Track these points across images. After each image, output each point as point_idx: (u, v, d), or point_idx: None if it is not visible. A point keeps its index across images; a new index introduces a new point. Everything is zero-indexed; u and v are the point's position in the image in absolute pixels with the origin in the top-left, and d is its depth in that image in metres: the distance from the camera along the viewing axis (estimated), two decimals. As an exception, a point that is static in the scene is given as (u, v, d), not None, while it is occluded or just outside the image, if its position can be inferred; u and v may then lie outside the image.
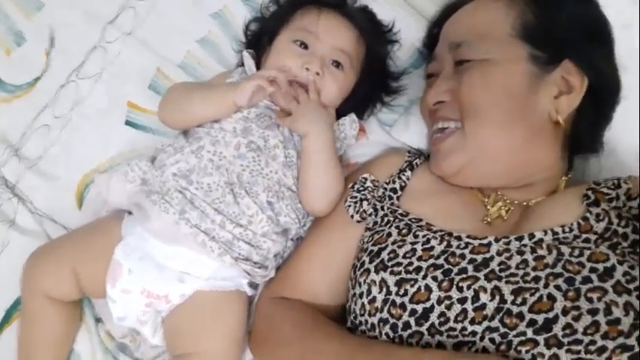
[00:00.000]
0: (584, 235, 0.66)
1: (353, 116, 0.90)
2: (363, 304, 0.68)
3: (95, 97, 0.97)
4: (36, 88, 0.98)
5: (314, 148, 0.80)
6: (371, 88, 0.92)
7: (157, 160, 0.84)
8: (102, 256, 0.78)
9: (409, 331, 0.64)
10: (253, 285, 0.83)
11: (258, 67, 0.89)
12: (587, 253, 0.63)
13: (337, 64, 0.85)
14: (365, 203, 0.79)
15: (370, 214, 0.79)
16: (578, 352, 0.57)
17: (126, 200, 0.83)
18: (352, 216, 0.79)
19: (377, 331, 0.67)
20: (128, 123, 0.96)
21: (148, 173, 0.83)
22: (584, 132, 0.79)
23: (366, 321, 0.68)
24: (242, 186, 0.79)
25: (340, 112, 0.90)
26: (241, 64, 0.92)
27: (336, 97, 0.87)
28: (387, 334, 0.66)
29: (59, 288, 0.80)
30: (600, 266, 0.61)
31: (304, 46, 0.85)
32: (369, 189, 0.81)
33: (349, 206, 0.80)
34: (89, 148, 0.95)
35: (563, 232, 0.67)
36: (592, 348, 0.57)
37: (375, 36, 0.91)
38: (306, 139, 0.81)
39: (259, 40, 0.92)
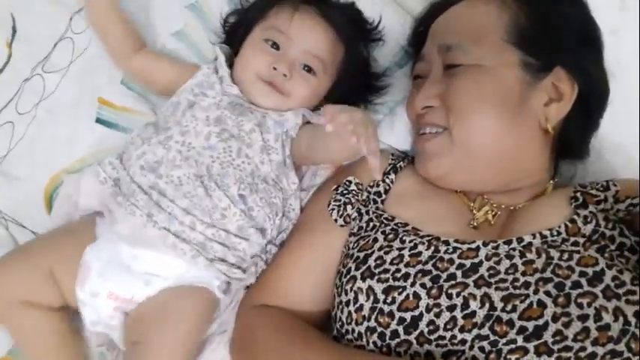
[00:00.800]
0: (572, 238, 0.66)
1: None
2: (349, 313, 0.67)
3: (62, 93, 0.91)
4: (-3, 81, 0.92)
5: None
6: (352, 88, 0.89)
7: (125, 156, 0.81)
8: (75, 258, 0.75)
9: (397, 340, 0.63)
10: (226, 291, 0.79)
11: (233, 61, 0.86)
12: (576, 257, 0.63)
13: (309, 69, 0.83)
14: (349, 207, 0.77)
15: (354, 219, 0.77)
16: (568, 358, 0.57)
17: (97, 202, 0.80)
18: (336, 220, 0.77)
19: (364, 340, 0.65)
20: (99, 120, 0.91)
21: (120, 171, 0.79)
22: (573, 138, 0.79)
23: (353, 330, 0.67)
24: (212, 178, 0.76)
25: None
26: (216, 58, 0.89)
27: (306, 101, 0.84)
28: (374, 343, 0.64)
29: (38, 291, 0.75)
30: (590, 270, 0.61)
31: (276, 46, 0.82)
32: (353, 192, 0.79)
33: (333, 210, 0.78)
34: (57, 147, 0.90)
35: (552, 235, 0.67)
36: (582, 355, 0.57)
37: (354, 37, 0.87)
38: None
39: (235, 34, 0.89)
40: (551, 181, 0.78)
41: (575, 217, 0.68)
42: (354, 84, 0.89)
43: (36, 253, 0.77)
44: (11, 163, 0.89)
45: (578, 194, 0.71)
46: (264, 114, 0.82)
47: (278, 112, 0.82)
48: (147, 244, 0.74)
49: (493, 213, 0.75)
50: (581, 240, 0.65)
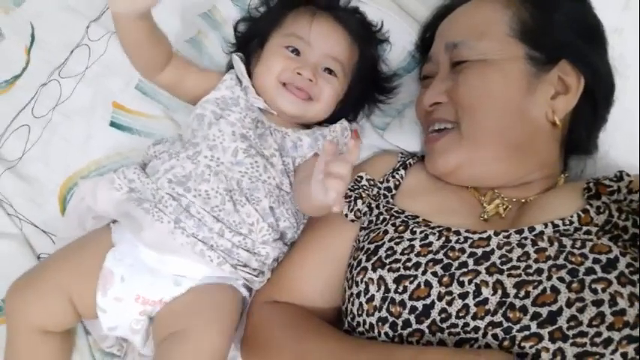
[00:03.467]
0: (585, 227, 0.66)
1: (344, 123, 0.88)
2: (360, 304, 0.67)
3: (78, 97, 0.94)
4: (15, 86, 0.95)
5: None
6: (364, 90, 0.91)
7: (150, 167, 0.81)
8: (95, 269, 0.74)
9: (409, 330, 0.62)
10: (248, 288, 0.80)
11: (249, 70, 0.87)
12: (589, 244, 0.62)
13: (330, 72, 0.84)
14: (359, 202, 0.78)
15: (365, 213, 0.77)
16: (584, 344, 0.56)
17: (113, 209, 0.79)
18: (346, 215, 0.77)
19: (376, 331, 0.65)
20: (113, 124, 0.93)
21: (137, 181, 0.79)
22: (581, 132, 0.79)
23: (364, 321, 0.66)
24: (242, 193, 0.77)
25: (332, 117, 0.88)
26: (232, 67, 0.90)
27: (330, 104, 0.85)
28: (386, 334, 0.64)
29: (54, 318, 0.74)
30: (603, 257, 0.61)
31: (296, 52, 0.84)
32: (364, 187, 0.80)
33: (343, 205, 0.78)
34: (71, 150, 0.92)
35: (564, 224, 0.66)
36: (597, 340, 0.56)
37: (367, 40, 0.90)
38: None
39: (249, 42, 0.90)
40: (563, 175, 0.78)
41: (588, 207, 0.68)
42: (367, 86, 0.91)
43: (54, 277, 0.75)
44: (26, 164, 0.91)
45: (591, 185, 0.71)
46: (284, 135, 0.83)
47: (296, 132, 0.83)
48: (174, 251, 0.74)
49: (504, 206, 0.75)
50: (594, 229, 0.65)
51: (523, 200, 0.75)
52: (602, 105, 0.80)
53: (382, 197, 0.78)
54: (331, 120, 0.88)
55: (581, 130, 0.79)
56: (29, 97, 0.94)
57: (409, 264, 0.65)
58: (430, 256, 0.65)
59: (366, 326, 0.66)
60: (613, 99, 0.81)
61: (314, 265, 0.79)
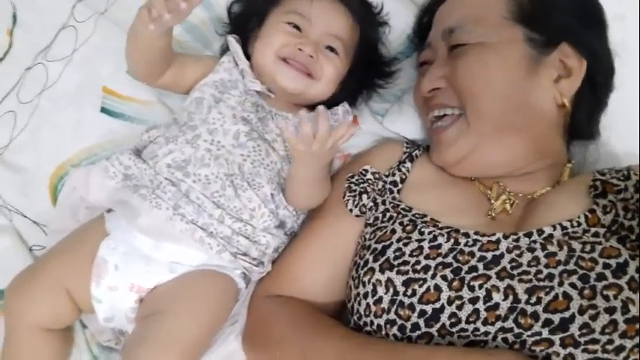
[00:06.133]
0: (593, 229, 0.65)
1: (346, 106, 0.86)
2: (368, 305, 0.66)
3: (66, 82, 0.90)
4: (-2, 70, 0.90)
5: (304, 176, 0.76)
6: (364, 73, 0.88)
7: (147, 152, 0.79)
8: (90, 260, 0.72)
9: (418, 333, 0.62)
10: (246, 279, 0.79)
11: (245, 51, 0.84)
12: (598, 248, 0.62)
13: (331, 50, 0.82)
14: (365, 197, 0.76)
15: (370, 209, 0.76)
16: (595, 351, 0.57)
17: (106, 197, 0.77)
18: (351, 210, 0.76)
19: (383, 332, 0.65)
20: (104, 110, 0.89)
21: (133, 167, 0.77)
22: (583, 116, 0.79)
23: (372, 322, 0.66)
24: (244, 177, 0.75)
25: (333, 100, 0.86)
26: (227, 49, 0.87)
27: (332, 83, 0.83)
28: (394, 336, 0.64)
29: (54, 315, 0.73)
30: (613, 262, 0.61)
31: (297, 29, 0.81)
32: (370, 181, 0.78)
33: (348, 200, 0.77)
34: (61, 137, 0.88)
35: (572, 226, 0.66)
36: (609, 347, 0.57)
37: (368, 20, 0.88)
38: (295, 168, 0.75)
39: (246, 22, 0.87)
40: (569, 165, 0.78)
41: (595, 206, 0.67)
42: (367, 68, 0.88)
43: (51, 273, 0.73)
44: (14, 153, 0.88)
45: (598, 183, 0.70)
46: (285, 119, 0.80)
47: (298, 116, 0.79)
48: (172, 238, 0.72)
49: (511, 202, 0.74)
50: (602, 231, 0.65)
51: (529, 196, 0.75)
52: (602, 89, 0.80)
53: (388, 192, 0.77)
54: (330, 104, 0.85)
55: (583, 114, 0.79)
56: (14, 81, 0.89)
57: (418, 267, 0.65)
58: (439, 259, 0.65)
59: (374, 327, 0.66)
60: (613, 82, 0.80)
61: (316, 257, 0.78)
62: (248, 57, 0.84)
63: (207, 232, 0.72)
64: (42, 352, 0.73)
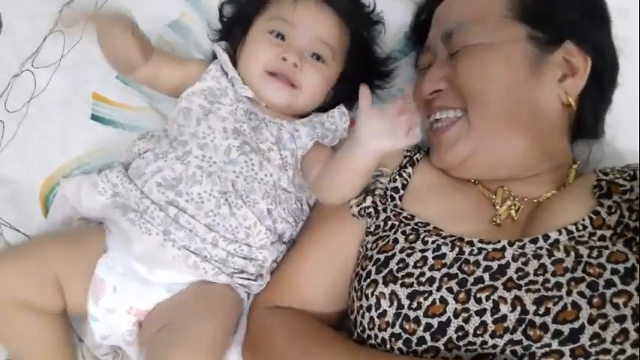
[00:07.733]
0: (598, 232, 0.64)
1: (342, 109, 0.84)
2: (371, 318, 0.64)
3: (54, 89, 0.87)
4: (-17, 78, 0.87)
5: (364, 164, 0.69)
6: (359, 75, 0.85)
7: (133, 168, 0.76)
8: (87, 267, 0.71)
9: (424, 347, 0.61)
10: (247, 292, 0.77)
11: (233, 59, 0.82)
12: (605, 253, 0.61)
13: (317, 57, 0.79)
14: (368, 199, 0.74)
15: (369, 214, 0.74)
16: None
17: (98, 211, 0.76)
18: (351, 206, 0.74)
19: (388, 346, 0.63)
20: (94, 117, 0.87)
21: (119, 186, 0.74)
22: (589, 115, 0.77)
23: (376, 335, 0.64)
24: (238, 194, 0.73)
25: (329, 103, 0.84)
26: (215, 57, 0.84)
27: (318, 92, 0.81)
28: (399, 350, 0.62)
29: (39, 293, 0.70)
30: (621, 267, 0.59)
31: (281, 37, 0.78)
32: (379, 184, 0.76)
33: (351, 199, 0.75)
34: (51, 146, 0.86)
35: (577, 229, 0.64)
36: (621, 357, 0.55)
37: (359, 20, 0.85)
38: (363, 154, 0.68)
39: (234, 28, 0.85)
40: (574, 166, 0.76)
41: (599, 207, 0.66)
42: (362, 70, 0.86)
43: (41, 256, 0.72)
44: (2, 164, 0.85)
45: (603, 183, 0.69)
46: (280, 127, 0.78)
47: (292, 123, 0.79)
48: (165, 265, 0.71)
49: (516, 208, 0.72)
50: (608, 233, 0.63)
51: (535, 200, 0.73)
52: (607, 86, 0.78)
53: (389, 199, 0.75)
54: (327, 107, 0.84)
55: (588, 112, 0.77)
56: (1, 90, 0.86)
57: (423, 279, 0.63)
58: (444, 270, 0.63)
59: (378, 340, 0.64)
60: (617, 79, 0.79)
61: (316, 267, 0.76)
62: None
63: (202, 257, 0.70)
64: (23, 330, 0.71)
